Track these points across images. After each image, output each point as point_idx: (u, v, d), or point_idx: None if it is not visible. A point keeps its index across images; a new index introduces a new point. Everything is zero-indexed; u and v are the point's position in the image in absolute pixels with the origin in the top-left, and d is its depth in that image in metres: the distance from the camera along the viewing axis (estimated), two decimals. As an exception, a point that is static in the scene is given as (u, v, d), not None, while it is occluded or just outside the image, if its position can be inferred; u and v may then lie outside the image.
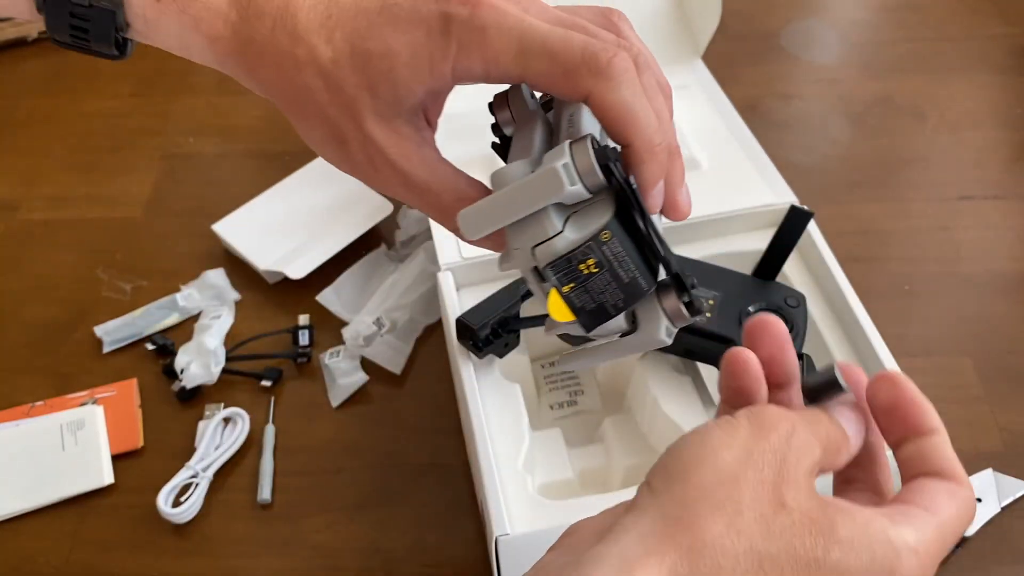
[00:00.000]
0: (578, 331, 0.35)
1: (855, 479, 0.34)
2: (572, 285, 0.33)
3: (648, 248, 0.33)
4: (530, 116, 0.38)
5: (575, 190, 0.32)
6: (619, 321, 0.35)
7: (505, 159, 0.40)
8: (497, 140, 0.41)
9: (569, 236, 0.33)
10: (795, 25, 1.08)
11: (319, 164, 0.89)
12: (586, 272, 0.33)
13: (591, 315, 0.34)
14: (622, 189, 0.33)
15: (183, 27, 0.35)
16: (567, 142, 0.32)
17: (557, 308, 0.34)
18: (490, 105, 0.40)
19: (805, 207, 0.65)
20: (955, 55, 1.03)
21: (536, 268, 0.34)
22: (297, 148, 0.94)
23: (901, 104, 0.97)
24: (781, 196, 0.71)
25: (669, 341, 0.35)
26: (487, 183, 0.36)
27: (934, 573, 0.30)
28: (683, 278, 0.34)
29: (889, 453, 0.34)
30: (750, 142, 0.76)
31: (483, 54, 0.32)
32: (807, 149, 0.91)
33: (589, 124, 0.35)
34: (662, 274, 0.35)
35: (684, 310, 0.34)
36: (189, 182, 0.93)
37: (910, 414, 0.32)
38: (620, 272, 0.33)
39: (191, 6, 0.35)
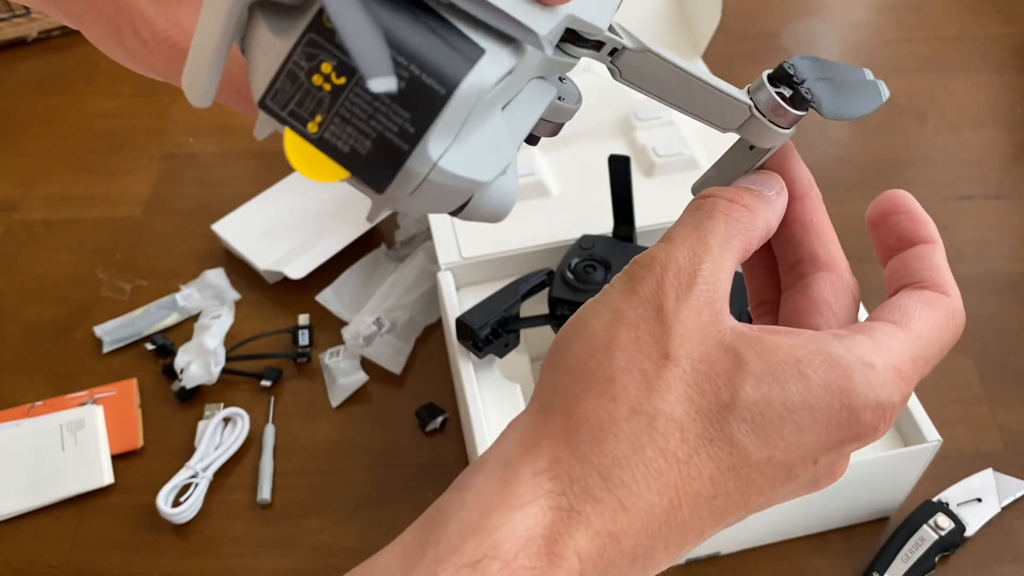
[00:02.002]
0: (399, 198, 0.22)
1: (796, 300, 0.29)
2: (321, 117, 0.21)
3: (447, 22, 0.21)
4: None
5: None
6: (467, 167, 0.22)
7: None
8: None
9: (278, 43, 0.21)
10: (795, 25, 1.08)
11: (319, 164, 0.89)
12: (328, 88, 0.21)
13: (365, 162, 0.21)
14: None
15: None
16: None
17: (304, 159, 0.22)
18: None
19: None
20: (955, 55, 1.03)
21: (265, 107, 0.22)
22: (297, 148, 0.94)
23: (901, 104, 0.97)
24: (781, 196, 0.71)
25: (787, 135, 0.29)
26: None
27: (910, 393, 0.25)
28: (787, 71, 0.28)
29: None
30: (750, 142, 0.76)
31: None
32: (807, 149, 0.91)
33: None
34: None
35: (781, 102, 0.28)
36: (189, 182, 0.93)
37: (902, 222, 0.28)
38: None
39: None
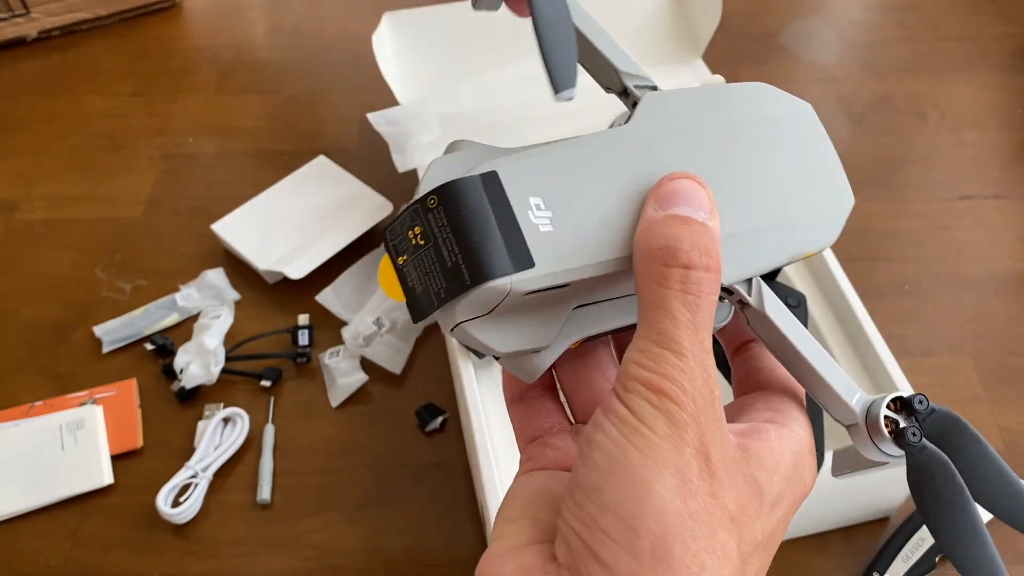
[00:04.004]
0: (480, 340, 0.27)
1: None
2: (405, 257, 0.27)
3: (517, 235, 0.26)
4: None
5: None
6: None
7: None
8: None
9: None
10: (795, 24, 1.08)
11: (319, 164, 0.89)
12: (414, 243, 0.27)
13: (415, 300, 0.27)
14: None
15: None
16: None
17: (386, 279, 0.28)
18: None
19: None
20: (955, 55, 1.03)
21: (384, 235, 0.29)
22: (297, 148, 0.94)
23: (901, 104, 0.97)
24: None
25: (887, 460, 0.29)
26: None
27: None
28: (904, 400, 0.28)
29: None
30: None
31: None
32: (807, 149, 0.91)
33: None
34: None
35: (883, 428, 0.28)
36: (189, 182, 0.93)
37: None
38: (444, 251, 0.26)
39: None
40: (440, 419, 0.70)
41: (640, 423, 0.24)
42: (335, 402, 0.73)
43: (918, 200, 0.86)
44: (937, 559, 0.59)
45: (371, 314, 0.75)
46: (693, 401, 0.24)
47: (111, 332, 0.78)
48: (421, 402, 0.71)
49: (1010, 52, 1.03)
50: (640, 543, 0.23)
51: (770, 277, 0.63)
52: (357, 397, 0.73)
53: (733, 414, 0.29)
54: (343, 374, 0.73)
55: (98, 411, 0.72)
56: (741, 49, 1.04)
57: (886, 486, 0.60)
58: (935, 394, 0.69)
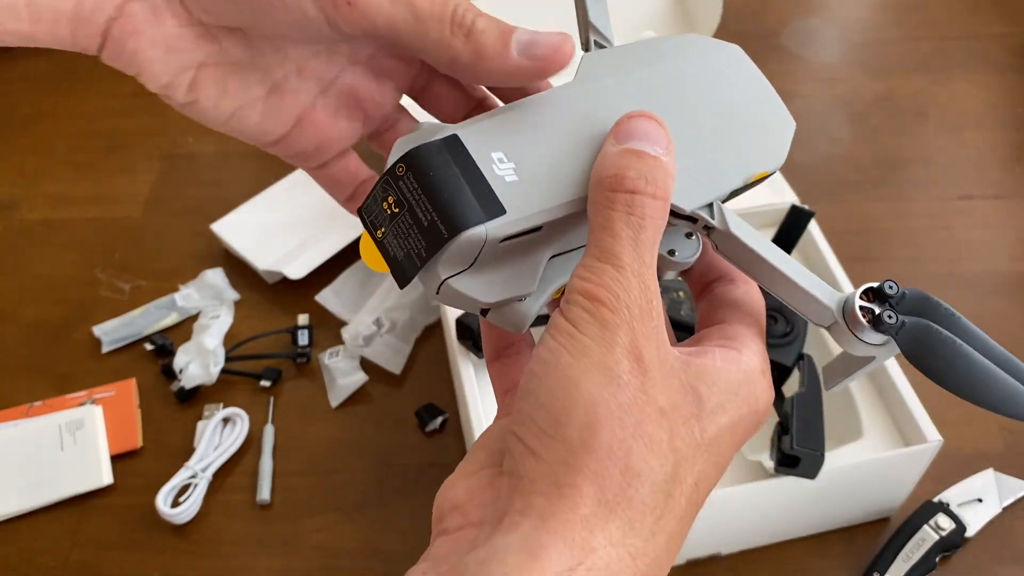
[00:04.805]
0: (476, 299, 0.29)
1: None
2: (383, 229, 0.29)
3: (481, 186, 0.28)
4: None
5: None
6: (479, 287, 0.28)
7: None
8: None
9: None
10: (796, 24, 1.08)
11: (319, 164, 0.89)
12: (389, 213, 0.28)
13: (398, 265, 0.28)
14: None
15: None
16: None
17: (368, 253, 0.29)
18: None
19: (806, 206, 0.66)
20: (955, 54, 1.03)
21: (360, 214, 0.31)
22: (297, 148, 0.94)
23: (902, 103, 0.97)
24: (782, 195, 0.71)
25: (873, 352, 0.30)
26: None
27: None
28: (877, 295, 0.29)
29: None
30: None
31: None
32: (808, 148, 0.91)
33: None
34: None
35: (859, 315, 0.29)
36: (189, 182, 0.93)
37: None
38: (419, 213, 0.27)
39: None
40: (440, 419, 0.70)
41: (574, 328, 0.26)
42: (335, 402, 0.73)
43: (918, 200, 0.86)
44: (937, 559, 0.59)
45: (371, 314, 0.75)
46: (627, 309, 0.26)
47: (110, 332, 0.78)
48: (421, 402, 0.71)
49: (1010, 52, 1.03)
50: (569, 432, 0.25)
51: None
52: (357, 397, 0.73)
53: (688, 347, 0.29)
54: (343, 374, 0.73)
55: (98, 411, 0.72)
56: (742, 48, 1.03)
57: (886, 486, 0.60)
58: (935, 394, 0.69)
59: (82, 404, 0.73)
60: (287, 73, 0.32)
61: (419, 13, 0.29)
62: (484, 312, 0.30)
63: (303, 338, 0.76)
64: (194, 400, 0.73)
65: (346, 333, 0.75)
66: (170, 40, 0.30)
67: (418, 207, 0.27)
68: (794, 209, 0.64)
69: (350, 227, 0.82)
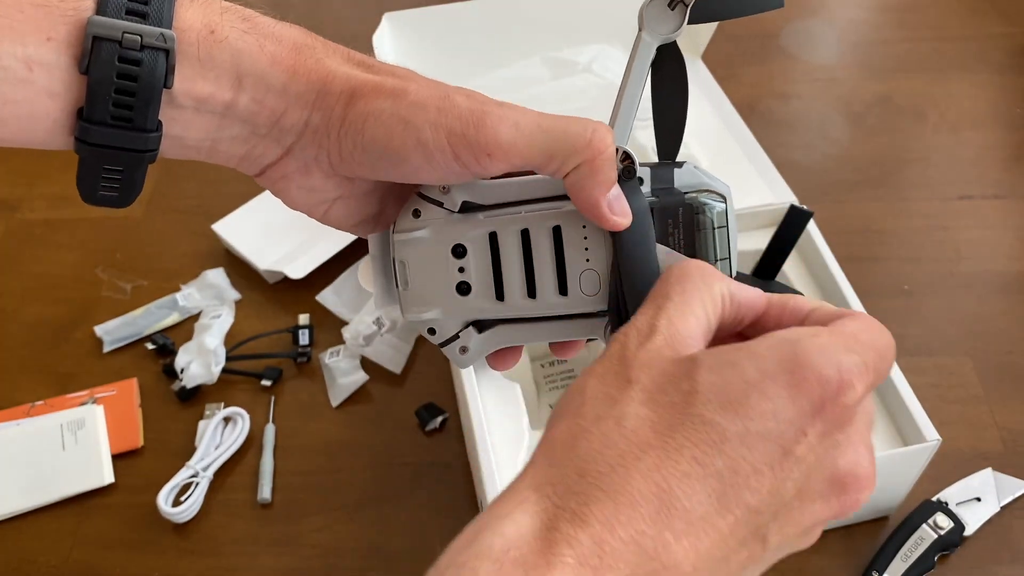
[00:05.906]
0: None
1: None
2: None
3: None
4: None
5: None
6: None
7: None
8: None
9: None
10: (795, 25, 1.08)
11: (319, 164, 0.89)
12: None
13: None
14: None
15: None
16: None
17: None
18: None
19: (805, 207, 0.66)
20: (955, 55, 1.03)
21: None
22: (297, 148, 0.94)
23: (901, 104, 0.97)
24: (780, 195, 0.71)
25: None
26: None
27: (875, 364, 0.26)
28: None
29: None
30: (749, 142, 0.76)
31: None
32: (807, 149, 0.91)
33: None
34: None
35: None
36: (189, 181, 0.93)
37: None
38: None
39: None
40: (440, 419, 0.70)
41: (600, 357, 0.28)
42: (335, 402, 0.73)
43: (918, 200, 0.86)
44: (936, 558, 0.60)
45: (371, 314, 0.75)
46: (624, 332, 0.28)
47: (112, 332, 0.78)
48: (421, 402, 0.72)
49: (1010, 52, 1.03)
50: (569, 405, 0.27)
51: (769, 276, 0.64)
52: (357, 397, 0.73)
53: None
54: (343, 374, 0.73)
55: (99, 411, 0.72)
56: (741, 49, 1.04)
57: (886, 485, 0.60)
58: (935, 394, 0.69)
59: (83, 403, 0.73)
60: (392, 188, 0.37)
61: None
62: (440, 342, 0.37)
63: (304, 338, 0.76)
64: (195, 399, 0.73)
65: (347, 332, 0.75)
66: (314, 185, 0.36)
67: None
68: (793, 209, 0.64)
69: (350, 227, 0.82)
